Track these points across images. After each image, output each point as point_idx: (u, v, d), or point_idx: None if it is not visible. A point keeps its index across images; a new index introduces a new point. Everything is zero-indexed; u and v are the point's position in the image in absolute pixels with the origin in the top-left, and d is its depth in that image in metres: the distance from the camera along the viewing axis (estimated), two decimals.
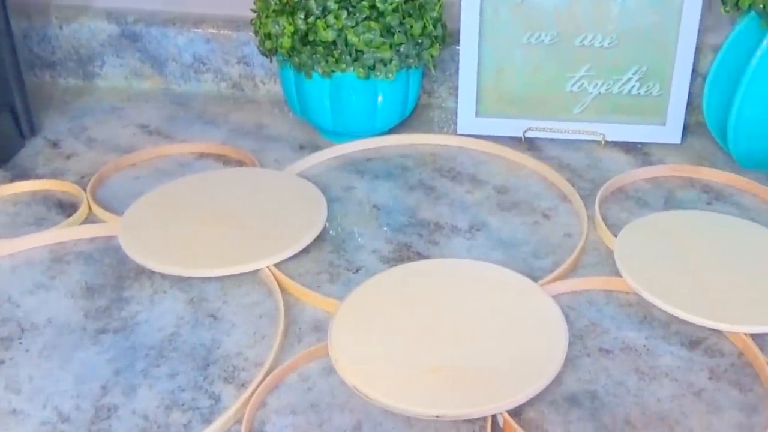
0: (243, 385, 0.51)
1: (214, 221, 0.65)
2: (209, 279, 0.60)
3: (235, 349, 0.54)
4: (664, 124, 0.79)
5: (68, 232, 0.65)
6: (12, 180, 0.73)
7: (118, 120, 0.84)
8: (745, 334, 0.54)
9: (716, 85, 0.75)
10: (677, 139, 0.79)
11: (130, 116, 0.85)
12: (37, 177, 0.73)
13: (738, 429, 0.48)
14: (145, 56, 0.90)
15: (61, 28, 0.89)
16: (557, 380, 0.51)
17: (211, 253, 0.61)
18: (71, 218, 0.66)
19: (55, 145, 0.80)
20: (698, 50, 0.77)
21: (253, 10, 0.77)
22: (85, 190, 0.70)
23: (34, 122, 0.80)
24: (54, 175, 0.74)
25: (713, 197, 0.71)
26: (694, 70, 0.77)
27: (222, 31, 0.87)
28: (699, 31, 0.75)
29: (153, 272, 0.61)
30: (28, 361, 0.53)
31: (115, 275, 0.61)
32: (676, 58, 0.77)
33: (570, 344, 0.54)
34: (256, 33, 0.77)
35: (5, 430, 0.48)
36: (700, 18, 0.75)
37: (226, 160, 0.77)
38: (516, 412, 0.49)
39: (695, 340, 0.55)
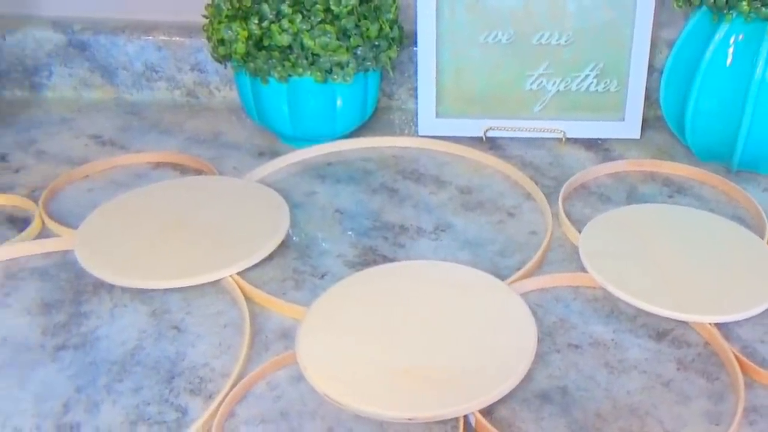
0: (210, 396, 0.51)
1: (173, 231, 0.65)
2: (171, 290, 0.60)
3: (200, 360, 0.54)
4: (622, 120, 0.81)
5: (21, 248, 0.64)
6: None
7: (68, 131, 0.84)
8: (710, 324, 0.56)
9: (672, 80, 0.77)
10: (636, 134, 0.81)
11: (81, 127, 0.84)
12: None
13: (706, 417, 0.50)
14: (94, 65, 0.89)
15: (3, 38, 0.88)
16: (528, 377, 0.52)
17: (172, 264, 0.61)
18: (23, 233, 0.65)
19: (2, 158, 0.78)
20: (653, 45, 0.80)
21: (205, 16, 0.77)
22: (37, 203, 0.69)
23: None
24: (3, 189, 0.73)
25: (674, 190, 0.74)
26: (650, 66, 0.80)
27: (174, 38, 0.87)
28: (653, 26, 0.78)
29: (112, 285, 0.60)
30: None
31: (72, 290, 0.60)
32: (631, 53, 0.79)
33: (539, 341, 0.55)
34: (208, 39, 0.77)
35: None
36: (653, 14, 0.77)
37: (183, 169, 0.77)
38: (488, 411, 0.50)
39: (662, 331, 0.57)
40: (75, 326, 0.57)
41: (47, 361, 0.54)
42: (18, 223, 0.68)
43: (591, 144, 0.81)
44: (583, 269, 0.61)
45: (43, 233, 0.67)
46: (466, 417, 0.49)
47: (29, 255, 0.64)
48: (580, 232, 0.65)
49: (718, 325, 0.56)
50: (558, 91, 0.81)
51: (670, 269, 0.60)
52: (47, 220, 0.67)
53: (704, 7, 0.73)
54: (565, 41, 0.79)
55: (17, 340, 0.56)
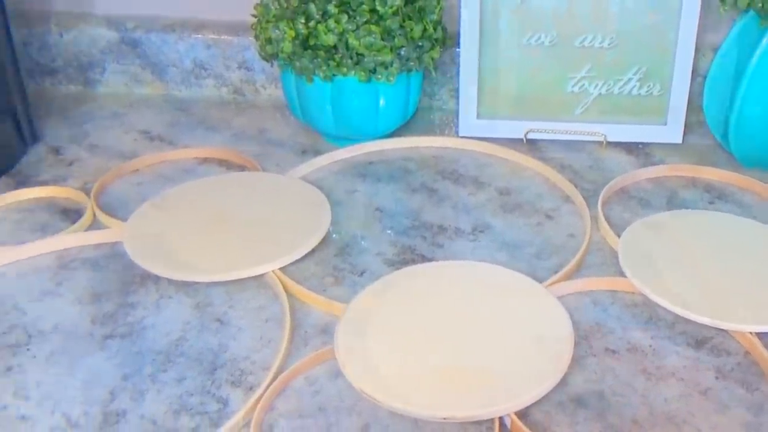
0: (251, 388, 0.51)
1: (218, 226, 0.65)
2: (215, 283, 0.60)
3: (242, 353, 0.54)
4: (664, 124, 0.79)
5: (73, 239, 0.65)
6: (15, 187, 0.73)
7: (119, 126, 0.85)
8: (751, 333, 0.54)
9: (716, 85, 0.75)
10: (678, 139, 0.79)
11: (131, 122, 0.85)
12: (40, 184, 0.74)
13: (745, 428, 0.48)
14: (145, 62, 0.90)
15: (60, 35, 0.89)
16: (564, 381, 0.51)
17: (216, 258, 0.61)
18: (76, 225, 0.66)
19: (57, 151, 0.80)
20: (698, 50, 0.77)
21: (254, 15, 0.77)
22: (88, 196, 0.70)
23: (35, 129, 0.80)
24: (56, 181, 0.74)
25: (715, 196, 0.72)
26: (693, 70, 0.78)
27: (222, 37, 0.88)
28: (698, 30, 0.76)
29: (158, 277, 0.61)
30: (36, 367, 0.53)
31: (120, 281, 0.61)
32: (675, 58, 0.77)
33: (576, 345, 0.54)
34: (256, 38, 0.77)
35: None
36: (698, 18, 0.75)
37: (228, 165, 0.78)
38: (523, 414, 0.49)
39: (701, 339, 0.55)
40: (122, 316, 0.58)
41: (96, 350, 0.55)
42: (71, 214, 0.69)
43: (632, 148, 0.79)
44: (622, 274, 0.60)
45: (94, 225, 0.68)
46: (501, 419, 0.49)
47: (81, 246, 0.65)
48: (619, 236, 0.64)
49: (759, 335, 0.54)
50: (600, 94, 0.79)
51: (711, 276, 0.59)
52: (98, 212, 0.68)
53: (751, 12, 0.71)
54: (608, 44, 0.78)
55: (68, 328, 0.57)
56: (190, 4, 0.89)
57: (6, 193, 0.71)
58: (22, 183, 0.74)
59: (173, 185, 0.72)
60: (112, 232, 0.66)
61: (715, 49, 0.76)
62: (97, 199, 0.71)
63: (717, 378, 0.52)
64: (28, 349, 0.55)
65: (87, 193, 0.71)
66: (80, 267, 0.63)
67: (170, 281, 0.61)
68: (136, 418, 0.49)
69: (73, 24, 0.89)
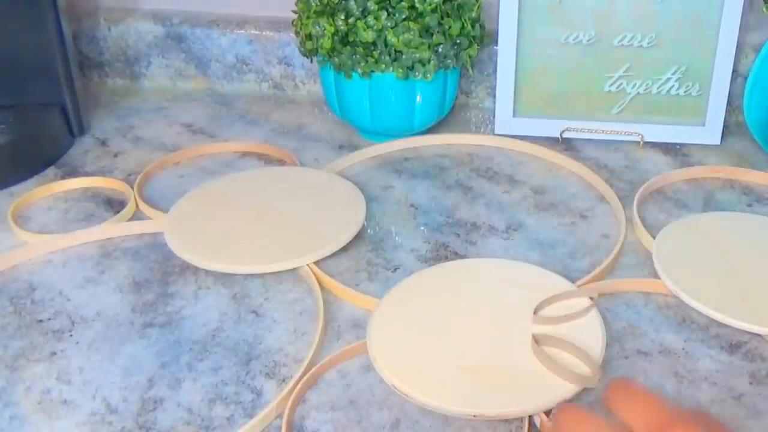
0: (284, 380, 0.52)
1: (255, 219, 0.65)
2: (251, 275, 0.60)
3: (276, 344, 0.55)
4: (703, 125, 0.77)
5: (116, 228, 0.66)
6: (63, 177, 0.74)
7: (163, 119, 0.85)
8: None
9: (757, 85, 0.73)
10: (717, 140, 0.77)
11: (175, 115, 0.86)
12: (87, 174, 0.75)
13: None
14: (189, 57, 0.90)
15: (109, 29, 0.90)
16: None
17: (253, 250, 0.62)
18: (119, 215, 0.67)
19: (103, 143, 0.81)
20: (739, 50, 0.75)
21: (295, 12, 0.77)
22: (132, 187, 0.71)
23: (83, 121, 0.81)
24: (102, 172, 0.75)
25: (753, 199, 0.70)
26: (734, 70, 0.76)
27: (264, 32, 0.88)
28: (740, 30, 0.73)
29: (197, 268, 0.61)
30: (78, 353, 0.54)
31: (161, 271, 0.62)
32: (716, 57, 0.75)
33: (607, 346, 0.53)
34: (297, 34, 0.77)
35: (57, 419, 0.49)
36: (740, 17, 0.73)
37: (267, 159, 0.78)
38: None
39: (735, 343, 0.54)
40: (162, 305, 0.58)
41: (135, 337, 0.55)
42: (114, 204, 0.70)
43: (669, 148, 0.77)
44: (656, 275, 0.59)
45: (137, 215, 0.68)
46: (531, 417, 0.48)
47: (123, 235, 0.66)
48: (654, 237, 0.62)
49: None
50: (638, 93, 0.78)
51: (746, 279, 0.57)
52: (141, 203, 0.69)
53: None
54: (648, 43, 0.76)
55: (109, 315, 0.57)
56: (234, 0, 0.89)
57: (54, 182, 0.73)
58: (69, 173, 0.75)
59: (213, 178, 0.72)
60: (154, 222, 0.67)
61: (758, 49, 0.74)
62: (140, 191, 0.71)
63: (751, 383, 0.51)
64: (71, 335, 0.56)
65: (131, 184, 0.72)
66: (122, 256, 0.64)
67: (208, 272, 0.61)
68: (172, 405, 0.50)
69: (121, 18, 0.90)
